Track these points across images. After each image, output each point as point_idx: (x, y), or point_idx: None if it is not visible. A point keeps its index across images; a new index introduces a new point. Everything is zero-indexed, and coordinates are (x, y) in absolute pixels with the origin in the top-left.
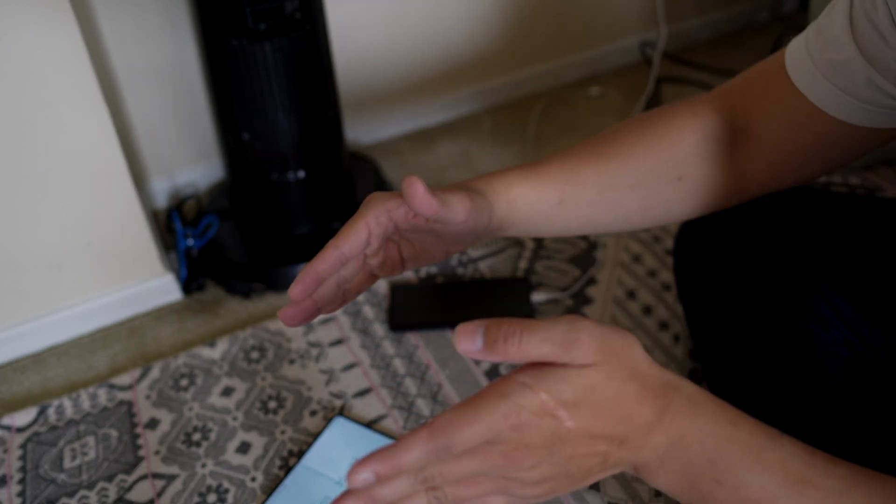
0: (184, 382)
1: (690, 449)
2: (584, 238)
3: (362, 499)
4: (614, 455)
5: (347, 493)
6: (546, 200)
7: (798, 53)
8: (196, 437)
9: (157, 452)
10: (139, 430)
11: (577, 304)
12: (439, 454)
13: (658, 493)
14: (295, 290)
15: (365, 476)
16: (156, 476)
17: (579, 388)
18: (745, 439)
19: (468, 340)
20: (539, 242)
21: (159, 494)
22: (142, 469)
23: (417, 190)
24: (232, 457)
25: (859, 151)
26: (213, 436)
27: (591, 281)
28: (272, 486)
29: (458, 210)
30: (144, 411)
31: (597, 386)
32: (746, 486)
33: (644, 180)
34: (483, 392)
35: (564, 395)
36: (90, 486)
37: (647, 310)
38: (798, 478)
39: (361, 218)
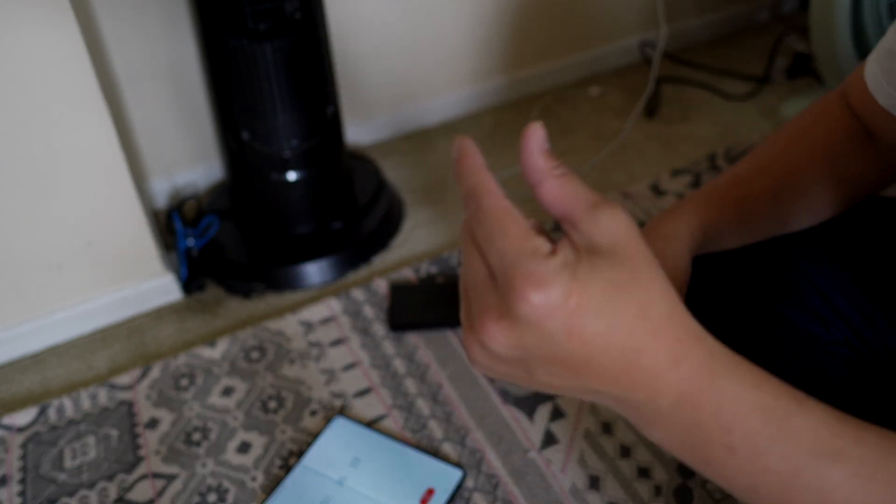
0: (184, 382)
1: (702, 409)
2: None
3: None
4: (615, 384)
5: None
6: (729, 227)
7: (871, 62)
8: (196, 436)
9: (157, 452)
10: (139, 429)
11: None
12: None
13: (658, 494)
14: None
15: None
16: (156, 476)
17: (607, 290)
18: (771, 405)
19: (534, 142)
20: None
21: (159, 494)
22: (142, 469)
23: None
24: (232, 456)
25: None
26: (213, 436)
27: None
28: (272, 486)
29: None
30: (145, 411)
31: (619, 294)
32: (765, 457)
33: (810, 193)
34: (536, 241)
35: (591, 288)
36: (90, 486)
37: None
38: (827, 448)
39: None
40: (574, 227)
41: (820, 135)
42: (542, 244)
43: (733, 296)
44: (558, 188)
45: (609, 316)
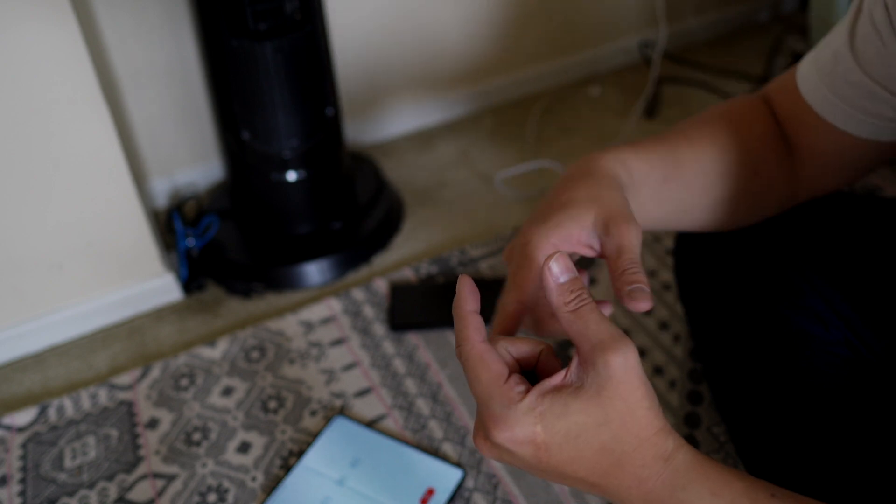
0: (184, 382)
1: None
2: None
3: None
4: (591, 488)
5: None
6: (654, 176)
7: (807, 64)
8: (196, 436)
9: (157, 452)
10: (139, 429)
11: None
12: (462, 356)
13: None
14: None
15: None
16: (156, 476)
17: (571, 423)
18: None
19: (559, 269)
20: None
21: (160, 494)
22: (142, 469)
23: (644, 306)
24: (232, 456)
25: (868, 165)
26: (213, 435)
27: (592, 281)
28: (272, 486)
29: (636, 235)
30: (145, 411)
31: (589, 427)
32: None
33: (730, 169)
34: (506, 387)
35: (555, 426)
36: (91, 486)
37: (647, 310)
38: None
39: (530, 267)
40: (576, 362)
41: (748, 129)
42: (509, 390)
43: (734, 297)
44: (568, 324)
45: (571, 451)
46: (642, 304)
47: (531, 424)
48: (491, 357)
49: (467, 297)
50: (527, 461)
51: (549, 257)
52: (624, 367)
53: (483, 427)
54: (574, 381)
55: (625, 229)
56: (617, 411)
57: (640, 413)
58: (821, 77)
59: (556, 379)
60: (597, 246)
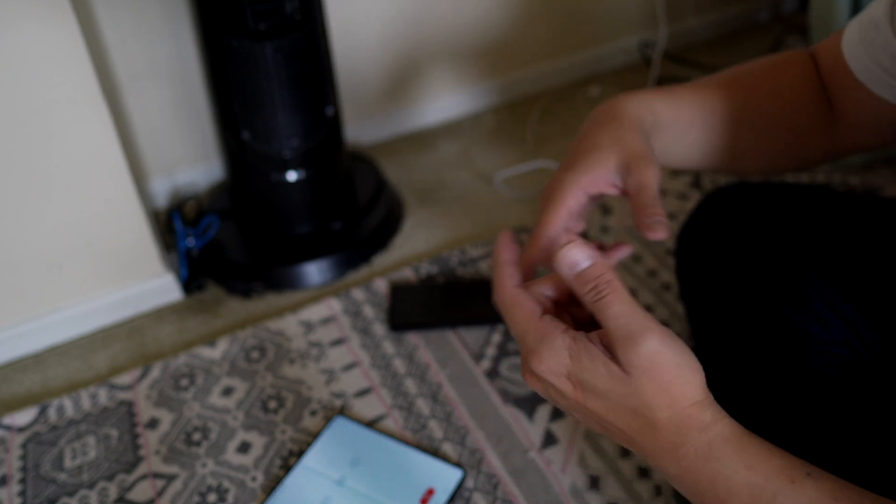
0: (184, 382)
1: (700, 483)
2: (584, 238)
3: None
4: (625, 443)
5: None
6: (681, 119)
7: (851, 29)
8: (196, 436)
9: (157, 452)
10: (139, 429)
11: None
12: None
13: (658, 493)
14: (525, 260)
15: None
16: (156, 476)
17: (600, 381)
18: (759, 484)
19: (573, 258)
20: None
21: (160, 494)
22: (142, 469)
23: (662, 234)
24: (232, 456)
25: None
26: (213, 435)
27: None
28: (272, 486)
29: (654, 176)
30: (145, 411)
31: (617, 391)
32: None
33: (761, 119)
34: (543, 322)
35: (583, 377)
36: (91, 486)
37: (648, 310)
38: None
39: (561, 203)
40: (575, 360)
41: (785, 81)
42: (543, 325)
43: (735, 297)
44: (592, 312)
45: (603, 404)
46: (660, 234)
47: (564, 358)
48: (522, 298)
49: (504, 247)
50: (569, 399)
51: (561, 248)
52: (648, 359)
53: (525, 362)
54: (604, 350)
55: (644, 170)
56: (646, 391)
57: (673, 389)
58: (863, 44)
59: (593, 336)
60: (620, 185)
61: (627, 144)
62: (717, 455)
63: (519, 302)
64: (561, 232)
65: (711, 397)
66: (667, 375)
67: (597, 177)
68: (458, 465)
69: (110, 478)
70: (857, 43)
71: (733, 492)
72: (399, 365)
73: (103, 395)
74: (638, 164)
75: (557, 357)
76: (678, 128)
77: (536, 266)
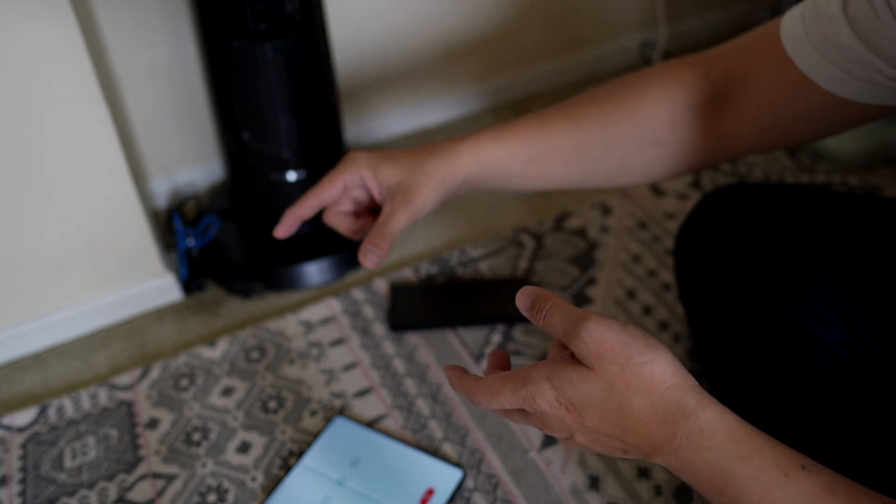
0: (184, 382)
1: (699, 475)
2: (584, 238)
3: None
4: (632, 453)
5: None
6: (518, 159)
7: (793, 22)
8: (196, 436)
9: (157, 452)
10: (139, 429)
11: (578, 304)
12: (477, 405)
13: (658, 493)
14: (279, 230)
15: (446, 373)
16: (156, 476)
17: (582, 392)
18: (754, 476)
19: (522, 300)
20: (539, 242)
21: (160, 494)
22: (142, 469)
23: (368, 263)
24: (232, 456)
25: (846, 124)
26: (213, 436)
27: (591, 281)
28: (272, 486)
29: (405, 224)
30: (145, 411)
31: (597, 393)
32: None
33: (620, 143)
34: (517, 372)
35: (569, 394)
36: (90, 486)
37: (647, 310)
38: None
39: (339, 175)
40: (556, 386)
41: (644, 108)
42: (514, 376)
43: (735, 297)
44: (549, 328)
45: (596, 412)
46: (369, 263)
47: (547, 388)
48: (486, 379)
49: (455, 376)
50: (573, 426)
51: (518, 294)
52: (594, 342)
53: (528, 417)
54: (572, 360)
55: (400, 212)
56: (614, 375)
57: (636, 369)
58: (808, 36)
59: (563, 355)
60: (374, 191)
61: (415, 179)
62: (708, 444)
63: (485, 383)
64: (335, 197)
65: (692, 381)
66: (620, 355)
67: (371, 172)
68: (458, 465)
69: (110, 478)
70: (801, 37)
71: (728, 482)
72: (399, 365)
73: (103, 395)
74: (403, 200)
75: (542, 390)
76: (515, 166)
77: (301, 220)
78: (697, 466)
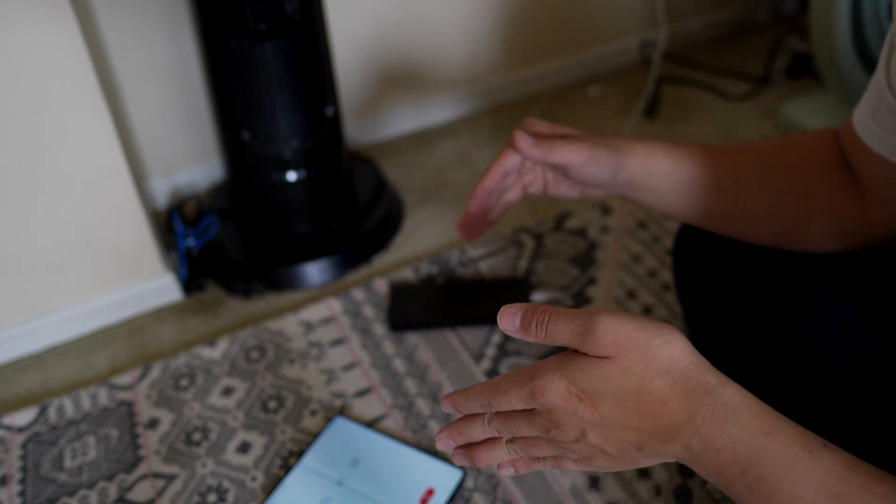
0: (184, 382)
1: (721, 454)
2: (584, 238)
3: (452, 431)
4: (648, 445)
5: (445, 428)
6: (680, 175)
7: (861, 104)
8: (196, 436)
9: (157, 452)
10: (139, 429)
11: (577, 304)
12: (486, 408)
13: (658, 493)
14: (473, 204)
15: (446, 408)
16: (156, 476)
17: (596, 379)
18: (779, 451)
19: (508, 321)
20: (539, 242)
21: (160, 494)
22: (142, 469)
23: (520, 144)
24: (232, 456)
25: None
26: (213, 435)
27: (591, 281)
28: (272, 486)
29: (569, 157)
30: (145, 411)
31: (613, 378)
32: (777, 497)
33: (772, 183)
34: (525, 369)
35: (582, 383)
36: (90, 486)
37: (647, 310)
38: (831, 493)
39: (510, 146)
40: (567, 375)
41: (795, 153)
42: (521, 373)
43: (734, 297)
44: (551, 339)
45: (611, 399)
46: (518, 139)
47: (558, 379)
48: (491, 379)
49: (448, 400)
50: (583, 420)
51: (499, 316)
52: (611, 333)
53: (534, 421)
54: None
55: (572, 143)
56: (633, 360)
57: (656, 352)
58: (869, 112)
59: (568, 353)
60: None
61: (595, 144)
62: (733, 419)
63: (487, 383)
64: (516, 164)
65: (707, 362)
66: (640, 339)
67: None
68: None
69: (110, 478)
70: (866, 119)
71: (753, 459)
72: (399, 365)
73: (103, 395)
74: (582, 142)
75: (552, 381)
76: (674, 182)
77: (489, 192)
78: (721, 444)
